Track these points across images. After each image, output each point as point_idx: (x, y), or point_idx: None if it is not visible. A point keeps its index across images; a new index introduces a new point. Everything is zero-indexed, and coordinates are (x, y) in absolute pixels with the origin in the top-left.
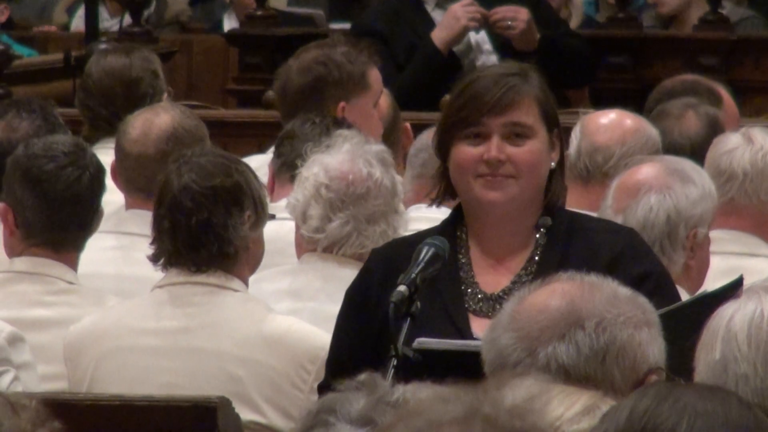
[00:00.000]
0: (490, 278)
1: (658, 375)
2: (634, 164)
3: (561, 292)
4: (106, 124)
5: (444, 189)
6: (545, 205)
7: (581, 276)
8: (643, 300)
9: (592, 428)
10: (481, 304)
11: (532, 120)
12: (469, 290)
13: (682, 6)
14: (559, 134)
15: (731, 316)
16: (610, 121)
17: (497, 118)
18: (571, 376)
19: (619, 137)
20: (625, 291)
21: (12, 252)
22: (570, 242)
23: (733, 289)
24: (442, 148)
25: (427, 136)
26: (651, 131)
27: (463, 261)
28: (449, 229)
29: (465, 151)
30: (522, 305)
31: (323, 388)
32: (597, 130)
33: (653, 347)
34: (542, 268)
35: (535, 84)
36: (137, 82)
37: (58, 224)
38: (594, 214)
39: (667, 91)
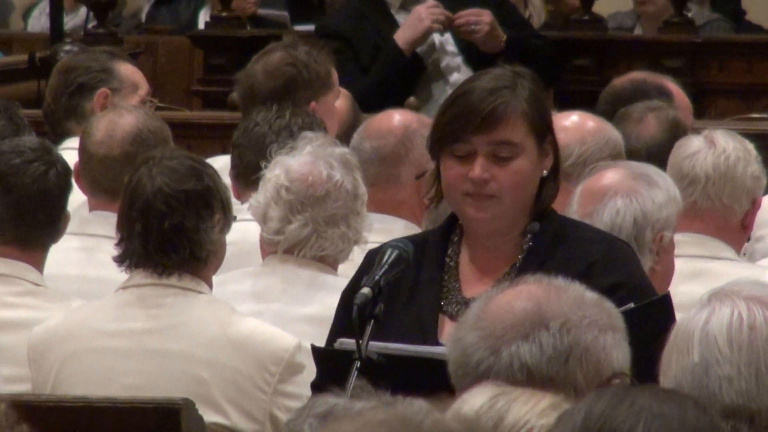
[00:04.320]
0: (473, 283)
1: (622, 380)
2: (598, 170)
3: (527, 294)
4: (49, 117)
5: (439, 189)
6: (535, 210)
7: (548, 279)
8: (609, 305)
9: (548, 431)
10: (458, 307)
11: (519, 137)
12: (450, 294)
13: (667, 6)
14: (553, 140)
15: (707, 319)
16: (571, 122)
17: (483, 136)
18: (534, 376)
19: (579, 137)
20: (591, 295)
21: None
22: (552, 250)
23: (658, 305)
24: (434, 153)
25: (357, 138)
26: (612, 134)
27: (451, 264)
28: (445, 232)
29: (452, 168)
30: (488, 306)
31: (316, 387)
32: (558, 130)
33: (618, 352)
34: (522, 275)
35: (524, 96)
36: (70, 70)
37: (25, 220)
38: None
39: (617, 93)
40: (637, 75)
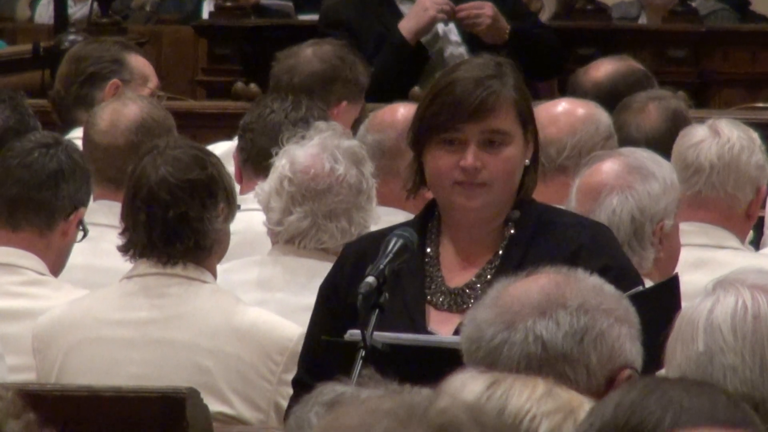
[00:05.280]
0: (455, 273)
1: (633, 373)
2: (594, 162)
3: (546, 278)
4: (58, 104)
5: (419, 181)
6: (517, 199)
7: (568, 269)
8: (627, 302)
9: (579, 422)
10: (442, 297)
11: (509, 125)
12: (433, 285)
13: None
14: (534, 130)
15: (711, 308)
16: (559, 113)
17: (475, 125)
18: (548, 350)
19: (569, 128)
20: (610, 288)
21: None
22: (535, 237)
23: (667, 287)
24: (417, 145)
25: (363, 130)
26: (601, 117)
27: (431, 254)
28: (422, 222)
29: (441, 158)
30: (506, 288)
31: (297, 383)
32: (547, 122)
33: (631, 346)
34: (505, 263)
35: (511, 84)
36: (82, 59)
37: (12, 197)
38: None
39: (608, 89)
40: (612, 66)
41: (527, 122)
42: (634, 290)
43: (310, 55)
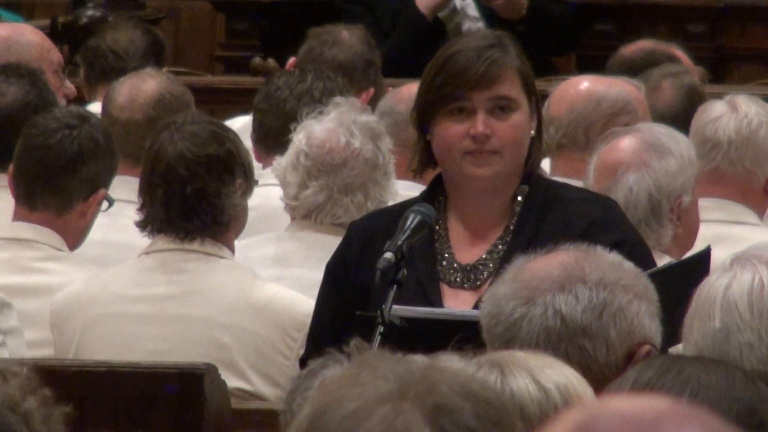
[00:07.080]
0: (465, 249)
1: (652, 349)
2: (612, 138)
3: (566, 254)
4: (115, 64)
5: (424, 160)
6: (524, 173)
7: (587, 247)
8: (646, 279)
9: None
10: (455, 275)
11: (516, 92)
12: (444, 261)
13: None
14: (537, 101)
15: (728, 285)
16: (566, 91)
17: (482, 92)
18: (567, 324)
19: (567, 106)
20: (629, 264)
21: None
22: (545, 212)
23: (700, 259)
24: (422, 122)
25: (391, 101)
26: (608, 94)
27: (440, 231)
28: (428, 199)
29: (450, 128)
30: (526, 264)
31: (305, 361)
32: (552, 101)
33: (650, 322)
34: (516, 238)
35: (514, 54)
36: (150, 33)
37: (31, 178)
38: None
39: (627, 62)
40: (646, 44)
41: (531, 92)
42: (667, 263)
43: (348, 35)
